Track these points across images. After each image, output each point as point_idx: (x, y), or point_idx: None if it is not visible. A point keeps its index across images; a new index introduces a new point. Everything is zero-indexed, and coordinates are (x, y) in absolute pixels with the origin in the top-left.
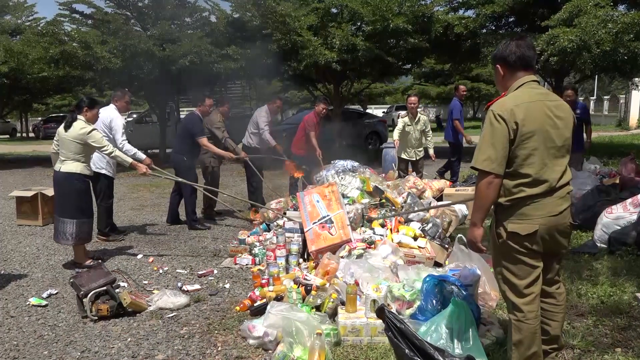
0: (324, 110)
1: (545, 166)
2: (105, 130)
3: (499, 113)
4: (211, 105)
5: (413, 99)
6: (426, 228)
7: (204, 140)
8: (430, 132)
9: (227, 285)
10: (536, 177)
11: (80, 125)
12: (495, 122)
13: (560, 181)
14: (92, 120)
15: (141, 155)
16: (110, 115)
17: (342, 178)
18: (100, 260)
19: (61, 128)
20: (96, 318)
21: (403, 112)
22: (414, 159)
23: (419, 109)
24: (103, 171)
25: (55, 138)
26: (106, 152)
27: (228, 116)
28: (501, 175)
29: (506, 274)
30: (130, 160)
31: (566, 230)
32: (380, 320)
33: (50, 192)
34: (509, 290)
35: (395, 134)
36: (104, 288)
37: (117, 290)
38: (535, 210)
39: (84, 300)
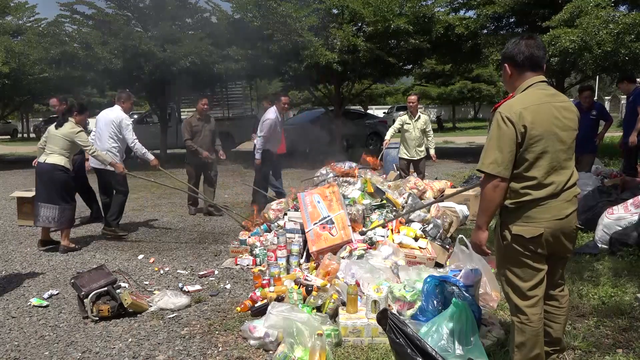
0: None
1: (553, 169)
2: (115, 130)
3: (507, 115)
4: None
5: (412, 97)
6: (427, 229)
7: None
8: (432, 132)
9: (228, 286)
10: (543, 180)
11: (70, 126)
12: (503, 124)
13: (567, 184)
14: (80, 123)
15: (150, 156)
16: (120, 115)
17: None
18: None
19: (52, 127)
20: (97, 318)
21: (402, 112)
22: (415, 158)
23: (419, 109)
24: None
25: (44, 135)
26: (90, 151)
27: (203, 113)
28: (507, 179)
29: (510, 277)
30: (109, 159)
31: (572, 234)
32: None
33: None
34: (513, 293)
35: (388, 133)
36: (105, 288)
37: (118, 290)
38: (540, 213)
39: (85, 300)
